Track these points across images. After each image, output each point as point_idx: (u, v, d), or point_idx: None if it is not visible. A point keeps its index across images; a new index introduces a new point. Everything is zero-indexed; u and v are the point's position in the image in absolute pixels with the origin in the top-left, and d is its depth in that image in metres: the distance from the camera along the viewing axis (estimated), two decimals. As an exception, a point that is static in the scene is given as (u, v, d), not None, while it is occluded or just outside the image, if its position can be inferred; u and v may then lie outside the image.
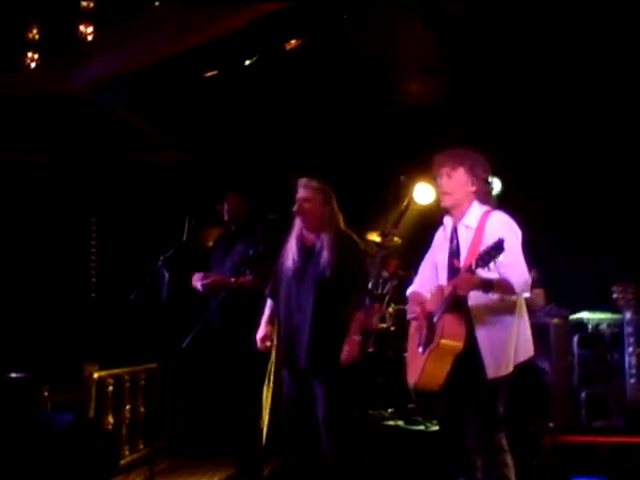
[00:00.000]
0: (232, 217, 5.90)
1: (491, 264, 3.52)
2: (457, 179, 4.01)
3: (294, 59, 5.76)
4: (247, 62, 5.74)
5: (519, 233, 3.92)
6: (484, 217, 3.93)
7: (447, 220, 4.14)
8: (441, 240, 4.17)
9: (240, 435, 5.63)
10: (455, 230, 4.06)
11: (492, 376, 3.82)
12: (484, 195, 4.04)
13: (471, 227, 3.94)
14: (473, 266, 3.60)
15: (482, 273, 3.63)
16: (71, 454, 4.48)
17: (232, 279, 5.46)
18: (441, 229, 4.19)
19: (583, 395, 5.19)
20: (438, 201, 4.21)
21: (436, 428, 5.16)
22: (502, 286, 3.72)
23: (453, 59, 6.01)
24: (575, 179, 6.55)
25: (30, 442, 4.42)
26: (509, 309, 3.87)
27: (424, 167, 4.47)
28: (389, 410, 6.18)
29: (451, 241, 4.06)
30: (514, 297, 3.83)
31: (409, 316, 4.23)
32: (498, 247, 3.48)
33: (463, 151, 4.07)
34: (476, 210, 3.99)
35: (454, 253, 4.00)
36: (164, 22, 5.86)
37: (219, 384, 5.71)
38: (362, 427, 5.23)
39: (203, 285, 5.63)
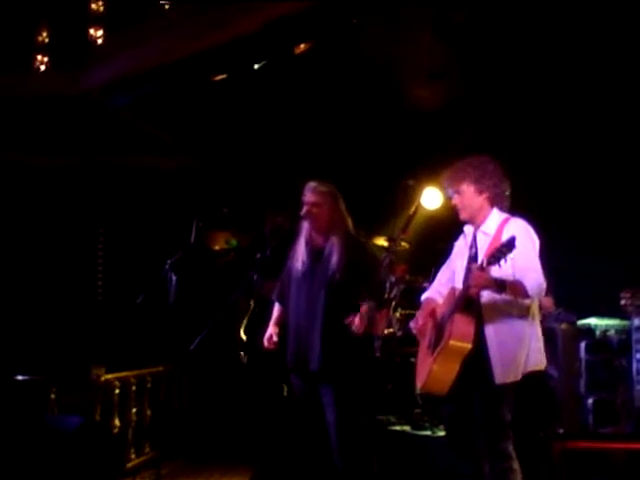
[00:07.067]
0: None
1: (502, 261, 3.50)
2: (466, 194, 4.01)
3: (303, 64, 5.78)
4: (256, 66, 5.76)
5: (537, 241, 3.91)
6: (503, 224, 3.93)
7: (468, 228, 4.13)
8: (461, 248, 4.17)
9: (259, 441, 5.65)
10: (474, 237, 4.06)
11: (499, 382, 3.79)
12: (499, 198, 4.03)
13: (489, 234, 3.94)
14: (484, 263, 3.59)
15: (496, 274, 3.62)
16: (80, 456, 4.50)
17: None
18: (461, 237, 4.19)
19: (590, 401, 5.17)
20: (446, 206, 4.22)
21: (442, 433, 5.14)
22: (515, 288, 3.70)
23: (461, 64, 6.02)
24: (584, 182, 6.52)
25: (40, 444, 4.43)
26: (522, 316, 3.85)
27: (432, 172, 4.45)
28: (396, 415, 6.16)
29: (470, 248, 4.07)
30: (527, 301, 3.81)
31: (412, 323, 4.22)
32: (509, 244, 3.48)
33: (466, 163, 4.06)
34: (495, 217, 3.99)
35: (472, 259, 3.99)
36: (173, 26, 5.88)
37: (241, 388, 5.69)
38: (370, 432, 5.20)
39: None
